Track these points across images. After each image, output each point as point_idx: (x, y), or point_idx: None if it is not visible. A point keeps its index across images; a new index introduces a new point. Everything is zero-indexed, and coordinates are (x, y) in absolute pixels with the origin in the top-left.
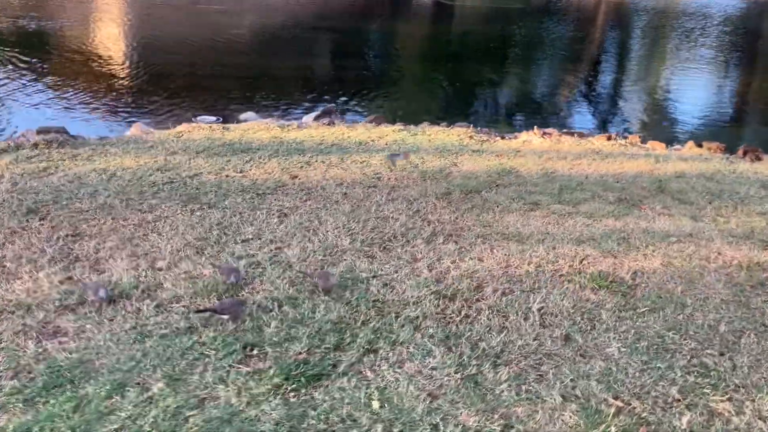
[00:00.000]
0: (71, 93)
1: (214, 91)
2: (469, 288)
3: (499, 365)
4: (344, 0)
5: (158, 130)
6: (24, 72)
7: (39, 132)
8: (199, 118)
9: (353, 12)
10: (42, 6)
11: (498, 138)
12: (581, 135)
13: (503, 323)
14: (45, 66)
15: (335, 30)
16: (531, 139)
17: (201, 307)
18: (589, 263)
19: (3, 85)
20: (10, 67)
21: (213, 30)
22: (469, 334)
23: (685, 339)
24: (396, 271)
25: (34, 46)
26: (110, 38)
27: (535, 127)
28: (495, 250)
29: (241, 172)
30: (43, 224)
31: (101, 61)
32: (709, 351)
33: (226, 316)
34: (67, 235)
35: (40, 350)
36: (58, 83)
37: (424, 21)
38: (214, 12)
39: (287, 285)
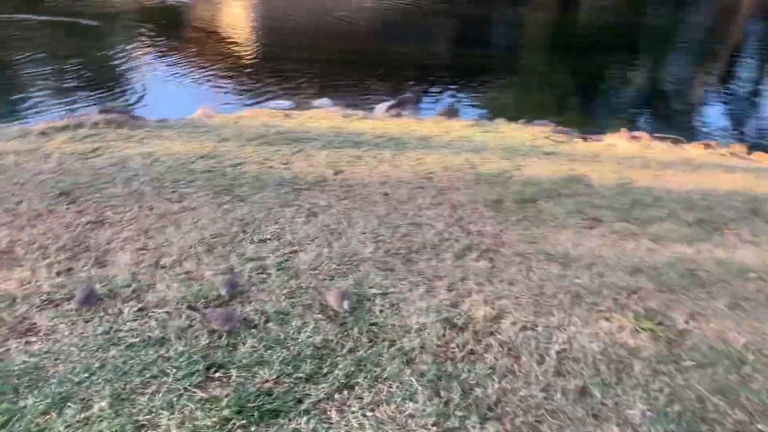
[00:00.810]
0: (156, 70)
1: (304, 76)
2: (486, 317)
3: (489, 419)
4: None
5: (220, 114)
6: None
7: (101, 111)
8: (271, 103)
9: None
10: None
11: (579, 139)
12: (676, 141)
13: (511, 365)
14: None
15: (456, 15)
16: (616, 142)
17: (194, 306)
18: (638, 298)
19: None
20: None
21: (331, 11)
22: (466, 375)
23: (732, 408)
24: (410, 290)
25: (155, 21)
26: (227, 18)
27: (623, 129)
28: (531, 273)
29: (285, 163)
30: (69, 208)
31: (199, 40)
32: (762, 427)
33: (211, 325)
34: (88, 222)
35: (1, 350)
36: (154, 60)
37: (549, 8)
38: None
39: (284, 297)
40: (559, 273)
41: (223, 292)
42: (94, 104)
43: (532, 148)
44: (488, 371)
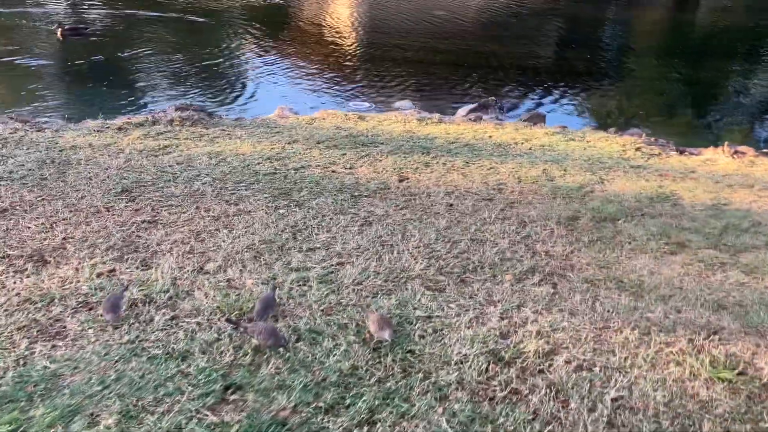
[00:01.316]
0: (248, 68)
1: (391, 76)
2: (538, 353)
3: None
4: None
5: (295, 115)
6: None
7: (177, 109)
8: (351, 103)
9: None
10: None
11: (674, 152)
12: None
13: (557, 411)
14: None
15: (564, 16)
16: (716, 157)
17: (234, 318)
18: (719, 340)
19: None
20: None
21: (432, 10)
22: (503, 420)
23: None
24: (458, 315)
25: (257, 19)
26: (329, 18)
27: (726, 142)
28: (597, 303)
29: (350, 168)
30: (128, 206)
31: (302, 39)
32: None
33: (256, 340)
34: (143, 221)
35: (26, 353)
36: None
37: (665, 9)
38: None
39: (320, 313)
40: (629, 304)
41: (257, 307)
42: (178, 100)
43: (619, 160)
44: (530, 417)
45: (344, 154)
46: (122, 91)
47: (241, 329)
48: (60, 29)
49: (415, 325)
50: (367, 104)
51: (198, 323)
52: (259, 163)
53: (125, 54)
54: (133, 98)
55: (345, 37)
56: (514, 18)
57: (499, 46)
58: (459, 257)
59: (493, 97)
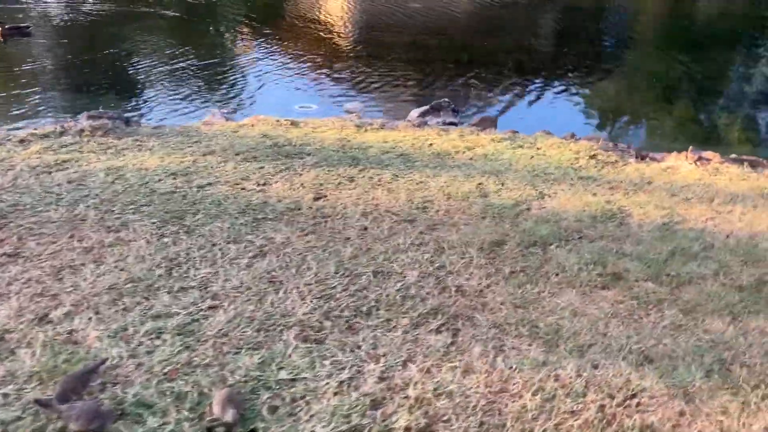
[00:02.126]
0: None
1: (353, 75)
2: (409, 430)
3: None
4: None
5: (222, 122)
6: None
7: (90, 117)
8: (296, 105)
9: None
10: None
11: (633, 159)
12: (755, 164)
13: None
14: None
15: (564, 6)
16: (679, 164)
17: (44, 399)
18: (635, 408)
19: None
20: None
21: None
22: None
23: None
24: (330, 376)
25: (240, 13)
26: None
27: (690, 147)
28: (501, 358)
29: (263, 184)
30: None
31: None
32: None
33: (74, 426)
34: (2, 255)
35: None
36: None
37: None
38: None
39: (160, 378)
40: (539, 358)
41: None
42: (105, 106)
43: (568, 170)
44: None
45: (261, 167)
46: (48, 95)
47: (55, 413)
48: (1, 27)
49: (273, 391)
50: (315, 106)
51: (4, 395)
52: (160, 180)
53: (69, 56)
54: (58, 104)
55: (301, 31)
56: (506, 11)
57: (477, 39)
58: (355, 296)
59: (446, 99)
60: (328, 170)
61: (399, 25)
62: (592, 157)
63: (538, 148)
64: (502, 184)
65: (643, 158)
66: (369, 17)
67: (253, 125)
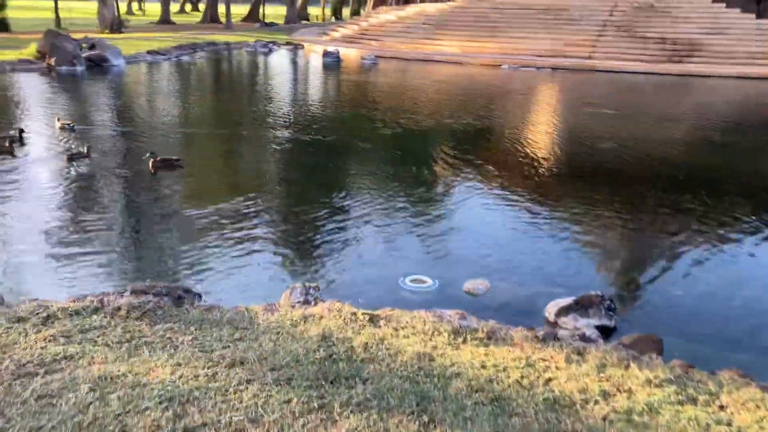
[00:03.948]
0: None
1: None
2: None
3: None
4: None
5: (290, 305)
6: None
7: (134, 291)
8: (407, 280)
9: None
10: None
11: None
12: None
13: None
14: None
15: None
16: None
17: None
18: None
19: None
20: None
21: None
22: None
23: None
24: None
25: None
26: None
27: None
28: None
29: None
30: None
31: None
32: None
33: None
34: None
35: None
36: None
37: None
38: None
39: None
40: None
41: None
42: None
43: None
44: None
45: (288, 400)
46: (141, 251)
47: None
48: (152, 160)
49: None
50: (429, 281)
51: None
52: (145, 411)
53: (197, 198)
54: (137, 265)
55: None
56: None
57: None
58: None
59: (598, 292)
60: (377, 419)
61: (589, 165)
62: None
63: (721, 407)
64: None
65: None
66: (553, 158)
67: (321, 317)
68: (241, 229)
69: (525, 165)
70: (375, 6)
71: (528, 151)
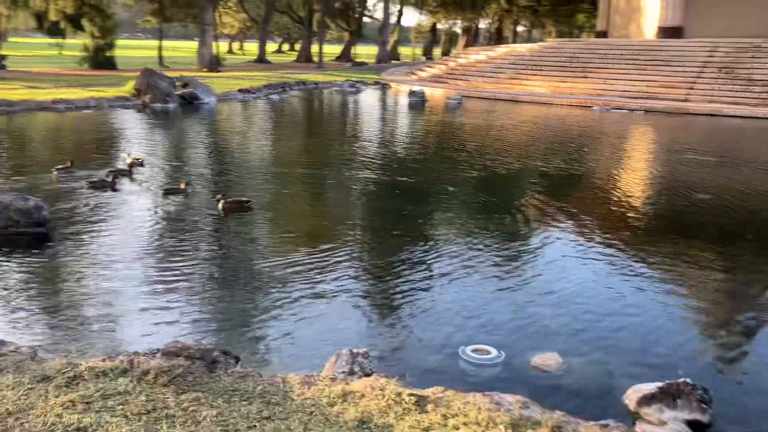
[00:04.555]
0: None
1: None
2: None
3: None
4: None
5: (332, 378)
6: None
7: (166, 353)
8: (467, 348)
9: None
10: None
11: None
12: None
13: None
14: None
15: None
16: None
17: None
18: None
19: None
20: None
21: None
22: None
23: None
24: None
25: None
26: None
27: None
28: None
29: None
30: None
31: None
32: None
33: None
34: None
35: None
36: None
37: None
38: None
39: None
40: None
41: None
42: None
43: None
44: None
45: None
46: (191, 307)
47: None
48: (222, 201)
49: None
50: (494, 351)
51: None
52: None
53: (270, 245)
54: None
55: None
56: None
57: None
58: None
59: (688, 380)
60: None
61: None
62: None
63: None
64: None
65: None
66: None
67: (362, 396)
68: (297, 282)
69: (618, 217)
70: (466, 46)
71: (622, 199)
